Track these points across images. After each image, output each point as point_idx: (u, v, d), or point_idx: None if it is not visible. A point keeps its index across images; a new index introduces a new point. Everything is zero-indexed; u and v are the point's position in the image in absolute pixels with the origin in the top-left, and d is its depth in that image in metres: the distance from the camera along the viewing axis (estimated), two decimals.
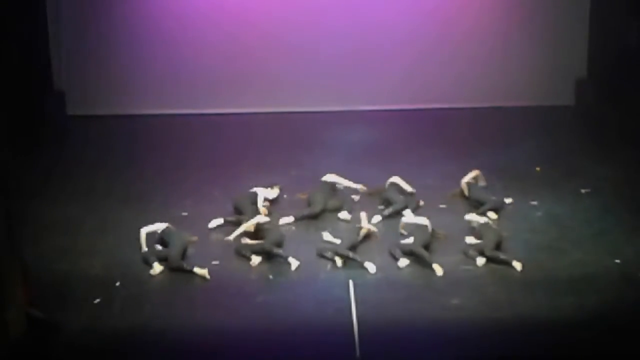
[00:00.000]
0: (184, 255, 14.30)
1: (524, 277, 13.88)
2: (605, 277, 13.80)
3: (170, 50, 21.23)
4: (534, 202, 16.34)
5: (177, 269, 13.99)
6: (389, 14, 21.27)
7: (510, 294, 13.46)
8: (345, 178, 16.52)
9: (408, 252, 14.31)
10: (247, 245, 14.62)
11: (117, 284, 13.68)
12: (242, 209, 15.65)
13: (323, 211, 15.83)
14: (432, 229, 14.80)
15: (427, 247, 14.44)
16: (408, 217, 15.28)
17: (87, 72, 21.16)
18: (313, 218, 15.76)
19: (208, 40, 21.19)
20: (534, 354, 12.06)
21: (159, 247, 14.58)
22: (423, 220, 14.91)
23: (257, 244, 14.50)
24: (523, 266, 14.01)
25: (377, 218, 15.68)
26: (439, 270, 13.93)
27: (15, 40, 18.93)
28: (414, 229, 14.82)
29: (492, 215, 15.54)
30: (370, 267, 14.06)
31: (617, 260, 14.24)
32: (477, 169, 16.63)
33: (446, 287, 13.62)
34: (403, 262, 14.22)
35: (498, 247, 14.39)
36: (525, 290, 13.52)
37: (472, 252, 14.34)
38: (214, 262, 14.28)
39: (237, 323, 12.79)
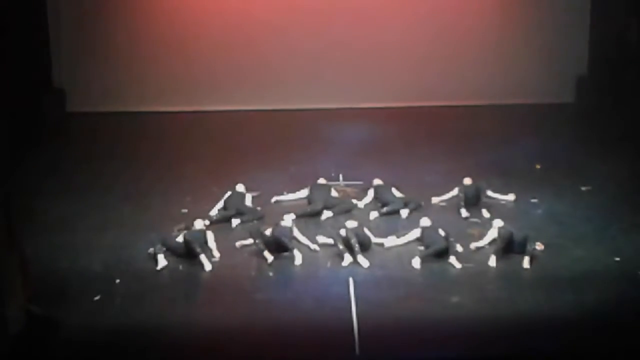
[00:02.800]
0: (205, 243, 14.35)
1: (523, 274, 13.87)
2: (605, 274, 13.78)
3: (169, 48, 21.24)
4: (534, 200, 16.33)
5: (189, 246, 14.13)
6: (389, 12, 21.28)
7: (510, 291, 13.43)
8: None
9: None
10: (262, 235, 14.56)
11: (117, 281, 13.67)
12: (228, 206, 15.72)
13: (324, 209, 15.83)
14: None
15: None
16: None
17: (86, 70, 21.18)
18: (314, 216, 15.76)
19: (207, 39, 21.20)
20: (533, 351, 12.04)
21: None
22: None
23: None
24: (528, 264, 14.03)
25: (373, 214, 15.69)
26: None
27: (16, 38, 18.92)
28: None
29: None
30: (364, 262, 14.05)
31: (617, 258, 14.23)
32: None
33: (446, 285, 13.60)
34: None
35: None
36: (525, 288, 13.50)
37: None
38: (214, 259, 14.28)
39: (237, 320, 12.78)
